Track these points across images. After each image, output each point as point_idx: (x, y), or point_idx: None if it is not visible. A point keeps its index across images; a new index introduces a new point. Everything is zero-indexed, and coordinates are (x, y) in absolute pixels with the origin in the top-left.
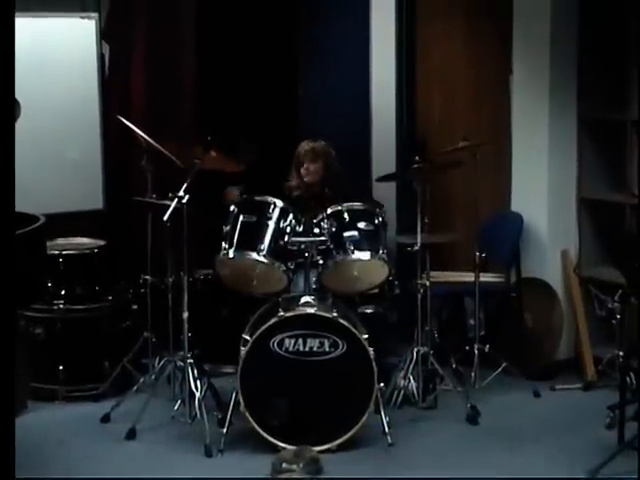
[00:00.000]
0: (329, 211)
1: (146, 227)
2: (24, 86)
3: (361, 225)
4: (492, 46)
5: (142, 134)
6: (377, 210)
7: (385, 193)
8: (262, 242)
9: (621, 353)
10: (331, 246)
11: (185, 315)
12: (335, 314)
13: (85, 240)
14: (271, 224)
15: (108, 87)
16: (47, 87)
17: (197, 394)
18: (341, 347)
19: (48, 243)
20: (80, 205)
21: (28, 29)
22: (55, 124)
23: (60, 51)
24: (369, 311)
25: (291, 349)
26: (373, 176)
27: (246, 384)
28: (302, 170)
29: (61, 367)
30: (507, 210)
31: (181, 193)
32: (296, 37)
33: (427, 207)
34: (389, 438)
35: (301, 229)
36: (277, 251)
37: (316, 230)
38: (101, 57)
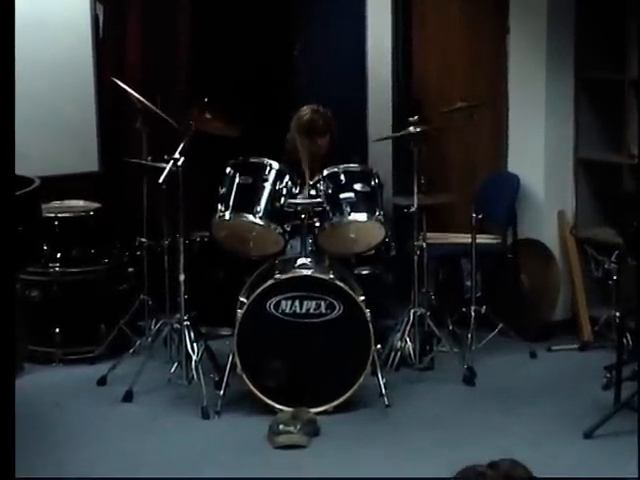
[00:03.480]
0: (325, 173)
1: (142, 189)
2: (18, 47)
3: (357, 187)
4: (489, 6)
5: (137, 96)
6: (373, 171)
7: (381, 155)
8: (258, 204)
9: (617, 314)
10: (327, 208)
11: (181, 277)
12: (332, 276)
13: (81, 202)
14: (267, 186)
15: (102, 48)
16: (41, 49)
17: (194, 356)
18: (338, 309)
19: (43, 206)
20: (75, 167)
21: None
22: (49, 86)
23: (54, 12)
24: (365, 273)
25: (288, 311)
26: (370, 137)
27: (243, 346)
28: (316, 144)
29: (57, 330)
30: (504, 171)
31: (176, 155)
32: None
33: (423, 168)
34: (386, 399)
35: (297, 191)
36: (273, 213)
37: (312, 192)
38: (95, 18)
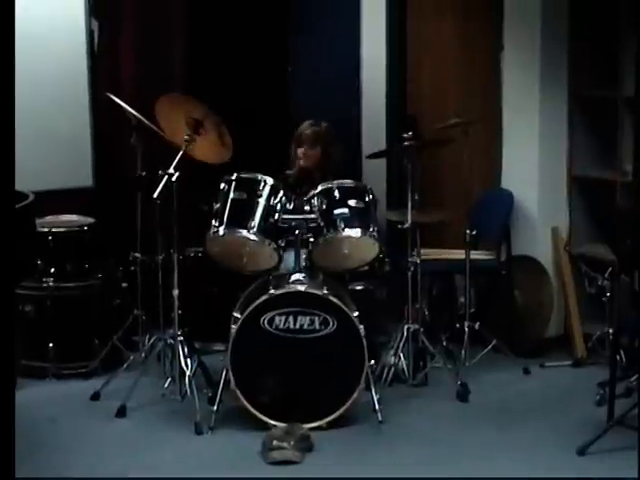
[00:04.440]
0: (319, 188)
1: (136, 204)
2: None
3: (351, 202)
4: (483, 22)
5: (132, 111)
6: (367, 187)
7: (375, 170)
8: (252, 220)
9: (611, 330)
10: (321, 223)
11: (175, 293)
12: (325, 292)
13: (74, 217)
14: (261, 201)
15: (97, 64)
16: (36, 64)
17: (187, 372)
18: (331, 325)
19: (37, 220)
20: (69, 182)
21: (16, 4)
22: (44, 101)
23: (49, 27)
24: (359, 288)
25: (281, 327)
26: (363, 153)
27: (236, 362)
28: (299, 152)
29: (51, 345)
30: (497, 188)
31: (171, 170)
32: (286, 13)
33: (417, 184)
34: (379, 415)
35: (291, 207)
36: (267, 229)
37: (306, 208)
38: (90, 33)
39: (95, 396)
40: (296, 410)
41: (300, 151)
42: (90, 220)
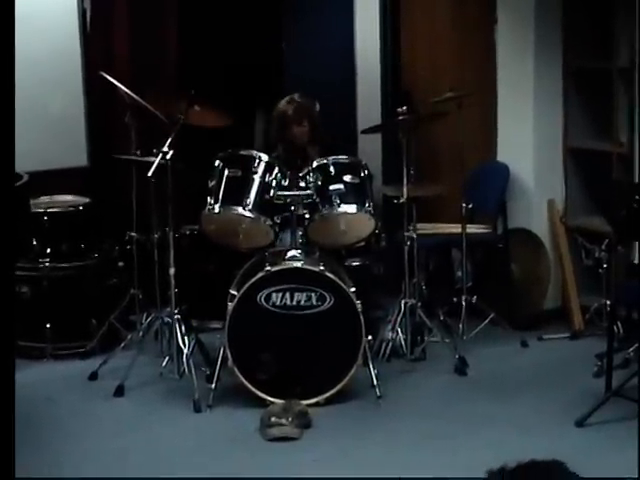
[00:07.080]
0: (314, 164)
1: (131, 183)
2: None
3: (347, 178)
4: None
5: (125, 90)
6: (363, 163)
7: (371, 145)
8: (248, 197)
9: (608, 302)
10: (317, 200)
11: (172, 271)
12: (322, 268)
13: (70, 197)
14: (257, 178)
15: (90, 42)
16: (28, 43)
17: (185, 350)
18: (328, 301)
19: (32, 201)
20: (64, 162)
21: None
22: (37, 81)
23: (41, 6)
24: (356, 264)
25: (278, 303)
26: (359, 128)
27: (234, 339)
28: (288, 133)
29: (48, 325)
30: (493, 161)
31: (165, 149)
32: None
33: (413, 159)
34: (378, 391)
35: (287, 183)
36: (263, 205)
37: (302, 184)
38: (83, 12)
39: (93, 376)
40: (294, 386)
41: (288, 131)
42: (85, 200)
